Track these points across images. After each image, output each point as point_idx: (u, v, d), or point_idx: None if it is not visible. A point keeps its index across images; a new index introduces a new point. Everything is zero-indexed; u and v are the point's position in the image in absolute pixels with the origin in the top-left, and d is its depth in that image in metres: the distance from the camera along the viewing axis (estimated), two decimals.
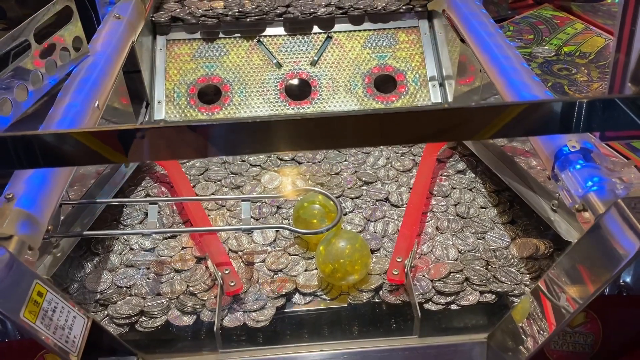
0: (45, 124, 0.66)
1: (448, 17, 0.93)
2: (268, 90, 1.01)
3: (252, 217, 0.83)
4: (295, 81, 1.02)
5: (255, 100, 1.00)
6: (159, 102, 1.00)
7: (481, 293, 0.72)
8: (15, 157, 0.45)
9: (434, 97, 1.00)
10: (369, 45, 1.03)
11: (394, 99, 1.00)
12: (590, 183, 0.56)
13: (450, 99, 0.99)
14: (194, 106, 1.00)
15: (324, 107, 1.00)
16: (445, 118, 0.45)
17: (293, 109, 1.00)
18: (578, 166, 0.58)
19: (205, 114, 0.99)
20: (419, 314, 0.67)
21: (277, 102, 1.01)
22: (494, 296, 0.72)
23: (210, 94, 1.01)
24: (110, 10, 0.93)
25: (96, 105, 0.72)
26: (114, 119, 0.91)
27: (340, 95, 1.01)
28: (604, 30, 1.01)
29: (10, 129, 0.67)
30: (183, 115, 0.99)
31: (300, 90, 1.02)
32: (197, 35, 1.04)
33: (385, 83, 1.02)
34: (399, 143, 0.90)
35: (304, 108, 1.00)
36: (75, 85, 0.73)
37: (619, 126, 0.47)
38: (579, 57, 0.96)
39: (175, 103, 1.00)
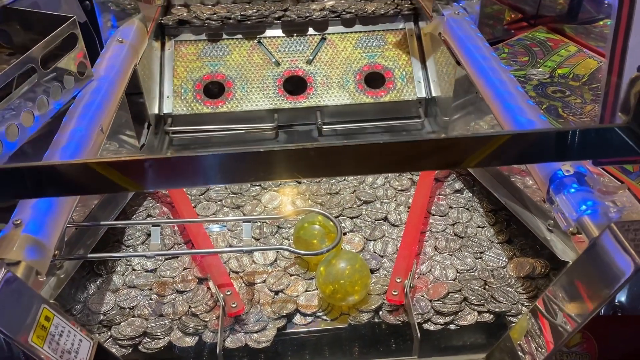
0: (51, 149, 0.67)
1: (444, 40, 0.95)
2: (267, 86, 1.09)
3: (252, 237, 0.84)
4: (292, 78, 1.10)
5: (256, 95, 1.08)
6: (167, 97, 1.08)
7: (479, 313, 0.73)
8: (23, 187, 0.47)
9: (419, 92, 1.09)
10: (360, 45, 1.12)
11: (382, 94, 1.08)
12: (584, 207, 0.57)
13: (434, 94, 1.07)
14: (200, 100, 1.08)
15: (319, 101, 1.08)
16: (443, 148, 0.47)
17: (290, 103, 1.08)
18: (572, 190, 0.60)
19: (210, 107, 1.07)
20: (419, 334, 0.69)
21: (275, 97, 1.08)
22: (492, 316, 0.73)
23: (214, 90, 1.09)
24: (113, 34, 0.94)
25: (100, 129, 0.73)
26: (117, 140, 0.93)
27: (334, 91, 1.08)
28: (597, 53, 1.03)
29: (16, 154, 0.68)
30: (190, 109, 1.07)
31: (297, 86, 1.10)
32: (203, 36, 1.13)
33: (374, 80, 1.10)
34: (396, 171, 0.93)
35: (300, 102, 1.08)
36: (80, 109, 0.75)
37: (610, 154, 0.49)
38: (572, 80, 0.98)
39: (182, 98, 1.08)
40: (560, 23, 1.14)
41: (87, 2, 0.97)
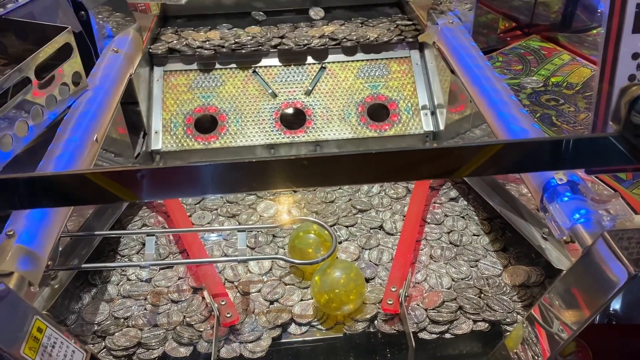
0: (46, 159, 0.67)
1: (438, 48, 0.96)
2: (263, 120, 1.02)
3: (248, 246, 0.84)
4: (290, 110, 1.04)
5: (251, 130, 1.02)
6: (156, 132, 1.01)
7: (474, 322, 0.73)
8: (16, 198, 0.46)
9: (425, 125, 1.02)
10: (362, 75, 1.06)
11: (387, 127, 1.02)
12: (577, 215, 0.57)
13: (442, 127, 1.02)
14: (190, 136, 1.01)
15: (319, 135, 1.01)
16: (437, 157, 0.47)
17: (288, 137, 1.01)
18: (565, 198, 0.60)
19: (201, 143, 1.01)
20: (414, 343, 0.68)
21: (272, 131, 1.02)
22: (487, 325, 0.73)
23: (206, 124, 1.03)
24: (108, 44, 0.95)
25: (95, 139, 0.73)
26: (112, 151, 0.93)
27: (335, 124, 1.02)
28: (590, 61, 1.04)
29: (10, 164, 0.68)
30: (180, 145, 1.01)
31: (295, 119, 1.03)
32: (194, 66, 1.06)
33: (378, 112, 1.03)
34: (390, 181, 0.91)
35: (299, 137, 1.01)
36: (75, 119, 0.75)
37: (603, 163, 0.49)
38: (566, 88, 0.99)
39: (172, 133, 1.01)
40: (554, 32, 1.15)
41: (83, 12, 0.98)
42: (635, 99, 0.46)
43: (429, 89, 1.04)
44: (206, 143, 1.01)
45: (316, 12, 1.15)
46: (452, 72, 0.92)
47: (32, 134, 0.72)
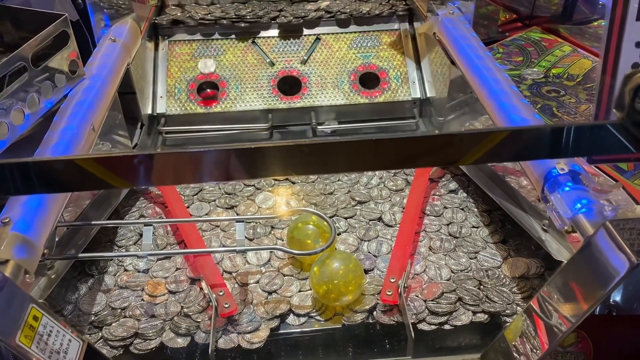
0: (42, 147, 0.67)
1: (439, 39, 0.95)
2: (262, 86, 1.08)
3: (246, 237, 0.84)
4: (287, 78, 1.09)
5: (250, 95, 1.08)
6: (161, 97, 1.07)
7: (474, 313, 0.73)
8: (12, 183, 0.46)
9: (413, 93, 1.08)
10: (355, 46, 1.11)
11: (377, 94, 1.08)
12: (578, 205, 0.57)
13: (428, 95, 1.07)
14: (193, 100, 1.07)
15: (313, 101, 1.08)
16: (438, 144, 0.46)
17: (285, 103, 1.07)
18: (567, 188, 0.59)
19: (203, 107, 1.07)
20: (413, 334, 0.68)
21: (270, 97, 1.08)
22: (486, 316, 0.72)
23: (208, 90, 1.09)
24: (105, 33, 0.94)
25: (92, 127, 0.73)
26: (109, 140, 0.92)
27: (328, 91, 1.08)
28: (591, 53, 1.03)
29: (6, 152, 0.67)
30: (183, 108, 1.07)
31: (292, 87, 1.09)
32: (197, 36, 1.12)
33: (369, 80, 1.09)
34: (390, 169, 0.92)
35: (294, 102, 1.08)
36: (72, 108, 0.74)
37: (605, 151, 0.48)
38: (567, 79, 0.98)
39: (176, 98, 1.07)
40: (555, 23, 1.14)
41: (80, 1, 0.97)
42: (638, 86, 0.46)
43: (417, 59, 1.10)
44: (208, 107, 1.07)
45: None
46: (453, 63, 0.91)
47: (28, 123, 0.71)
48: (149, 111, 1.05)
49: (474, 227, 0.87)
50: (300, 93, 1.08)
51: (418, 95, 1.08)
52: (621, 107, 0.48)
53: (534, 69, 1.03)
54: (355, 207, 0.92)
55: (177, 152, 0.46)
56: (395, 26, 1.12)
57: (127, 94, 0.95)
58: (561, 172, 0.60)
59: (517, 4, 1.18)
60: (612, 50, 0.51)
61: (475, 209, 0.90)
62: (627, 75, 0.48)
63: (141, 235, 0.85)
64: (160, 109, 1.06)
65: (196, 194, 0.96)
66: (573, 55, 1.05)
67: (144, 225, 0.77)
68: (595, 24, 1.12)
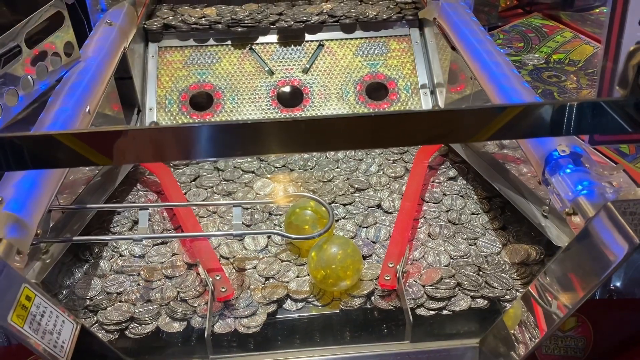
0: (36, 128, 0.66)
1: (439, 25, 0.94)
2: (260, 98, 1.02)
3: (243, 223, 0.83)
4: (287, 88, 1.02)
5: (247, 107, 1.01)
6: (150, 109, 1.00)
7: (473, 298, 0.72)
8: (2, 159, 0.45)
9: (425, 104, 1.01)
10: (361, 53, 1.04)
11: (385, 106, 1.01)
12: (580, 187, 0.56)
13: (441, 106, 1.00)
14: (185, 113, 1.00)
15: (316, 114, 1.01)
16: (437, 120, 0.46)
17: (285, 116, 1.01)
18: (568, 170, 0.59)
19: (196, 120, 1.00)
20: (411, 319, 0.67)
21: (268, 109, 1.01)
22: (485, 301, 0.72)
23: (202, 101, 1.01)
24: (102, 16, 0.93)
25: (87, 110, 0.72)
26: (105, 125, 0.91)
27: (332, 103, 1.01)
28: (592, 39, 1.02)
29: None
30: (174, 121, 1.00)
31: (292, 98, 1.02)
32: (189, 42, 1.04)
33: (376, 91, 1.03)
34: (390, 146, 0.90)
35: (295, 115, 1.01)
36: (66, 90, 0.73)
37: (607, 130, 0.47)
38: (568, 65, 0.97)
39: (167, 110, 1.00)
40: (556, 10, 1.13)
41: None
42: None
43: (429, 67, 1.03)
44: (201, 120, 1.00)
45: None
46: (453, 48, 0.90)
47: (21, 104, 0.70)
48: (138, 124, 0.98)
49: (473, 213, 0.86)
50: (302, 105, 1.01)
51: (430, 106, 1.00)
52: (624, 85, 0.47)
53: (535, 55, 1.02)
54: (354, 194, 0.91)
55: (174, 127, 0.45)
56: (405, 31, 1.05)
57: (123, 79, 0.94)
58: (562, 154, 0.60)
59: None
60: (615, 28, 0.50)
61: (475, 196, 0.90)
62: (632, 50, 0.47)
63: (135, 222, 0.84)
64: (149, 122, 0.99)
65: (193, 181, 0.95)
66: (574, 41, 1.04)
67: (140, 210, 0.76)
68: (597, 10, 1.11)
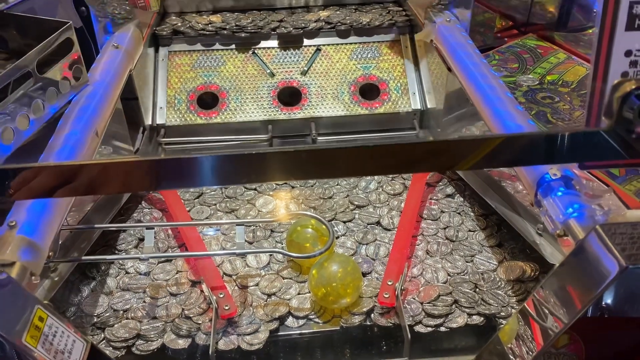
0: (46, 152, 0.68)
1: (436, 47, 0.97)
2: (262, 97, 1.08)
3: (246, 240, 0.85)
4: (287, 89, 1.10)
5: (250, 106, 1.08)
6: (160, 108, 1.07)
7: (469, 315, 0.74)
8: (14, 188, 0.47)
9: (414, 104, 1.08)
10: (355, 57, 1.12)
11: (377, 105, 1.08)
12: (570, 209, 0.58)
13: (429, 106, 1.07)
14: (193, 111, 1.07)
15: (314, 112, 1.08)
16: (432, 150, 0.48)
17: (285, 114, 1.08)
18: (559, 193, 0.61)
19: (203, 118, 1.07)
20: (409, 336, 0.69)
21: (270, 107, 1.08)
22: (481, 318, 0.74)
23: (208, 100, 1.09)
24: (108, 39, 0.95)
25: (95, 133, 0.74)
26: (111, 145, 0.94)
27: (329, 102, 1.08)
28: (585, 60, 1.05)
29: (11, 157, 0.69)
30: (183, 119, 1.07)
31: (292, 97, 1.09)
32: (197, 47, 1.12)
33: (369, 91, 1.10)
34: (388, 174, 0.94)
35: (295, 113, 1.08)
36: (75, 113, 0.75)
37: (595, 157, 0.50)
38: (561, 86, 1.00)
39: (176, 108, 1.07)
40: (550, 31, 1.16)
41: (83, 8, 0.98)
42: (627, 94, 0.47)
43: (418, 70, 1.10)
44: (208, 118, 1.07)
45: None
46: (449, 69, 0.93)
47: (33, 128, 0.73)
48: (149, 122, 1.04)
49: (470, 230, 0.89)
50: (301, 104, 1.08)
51: (418, 106, 1.07)
52: (610, 115, 0.49)
53: (529, 76, 1.04)
54: (354, 211, 0.93)
55: (180, 158, 0.47)
56: (396, 37, 1.12)
57: (129, 99, 0.97)
58: (554, 178, 0.62)
59: (514, 12, 1.19)
60: (602, 59, 0.53)
61: (472, 213, 0.92)
62: (616, 83, 0.49)
63: (141, 239, 0.86)
64: (160, 119, 1.06)
65: (197, 198, 0.97)
66: (568, 62, 1.06)
67: (146, 229, 0.79)
68: (590, 31, 1.14)
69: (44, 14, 0.89)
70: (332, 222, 0.91)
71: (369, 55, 1.11)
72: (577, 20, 1.17)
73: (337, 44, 1.12)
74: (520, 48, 1.12)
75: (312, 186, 0.99)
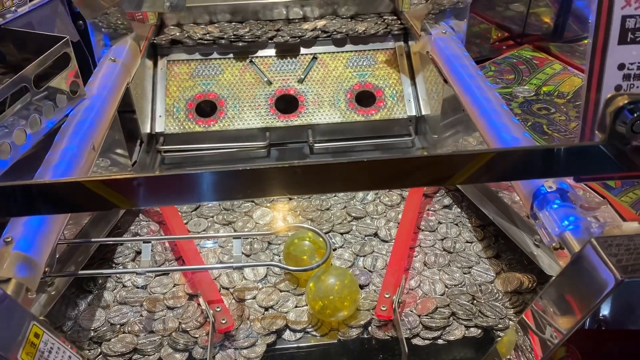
0: (43, 167, 0.68)
1: (432, 58, 0.97)
2: (259, 105, 1.10)
3: (243, 253, 0.85)
4: (284, 97, 1.11)
5: (248, 114, 1.09)
6: (159, 116, 1.08)
7: (467, 327, 0.74)
8: (14, 205, 0.47)
9: (409, 110, 1.10)
10: (351, 64, 1.13)
11: (373, 112, 1.09)
12: (566, 222, 0.58)
13: (424, 112, 1.08)
14: (191, 119, 1.08)
15: (310, 119, 1.09)
16: (428, 165, 0.48)
17: (282, 121, 1.09)
18: (555, 206, 0.61)
19: (202, 126, 1.08)
20: (406, 349, 0.69)
21: (267, 115, 1.09)
22: (479, 330, 0.74)
23: (206, 109, 1.10)
24: (106, 53, 0.96)
25: (92, 147, 0.74)
26: (109, 158, 0.94)
27: (325, 109, 1.10)
28: (581, 71, 1.05)
29: (8, 172, 0.69)
30: (182, 127, 1.08)
31: (289, 105, 1.10)
32: (195, 56, 1.13)
33: (365, 98, 1.11)
34: (383, 188, 0.94)
35: (292, 121, 1.09)
36: (72, 128, 0.75)
37: (589, 171, 0.50)
38: (557, 97, 1.00)
39: (174, 117, 1.08)
40: (546, 42, 1.17)
41: (81, 22, 0.99)
42: (619, 108, 0.47)
43: (413, 77, 1.12)
44: (206, 126, 1.08)
45: None
46: (445, 81, 0.93)
47: (30, 142, 0.73)
48: (148, 130, 1.06)
49: (467, 242, 0.89)
50: (297, 111, 1.09)
51: (414, 113, 1.09)
52: (603, 129, 0.49)
53: (525, 87, 1.05)
54: (351, 223, 0.94)
55: (177, 175, 0.47)
56: (391, 45, 1.14)
57: (126, 112, 0.97)
58: (549, 190, 0.62)
59: (509, 23, 1.20)
60: (595, 73, 0.53)
61: (469, 224, 0.92)
62: (609, 98, 0.50)
63: (138, 252, 0.86)
64: (159, 127, 1.07)
65: (194, 210, 0.97)
66: (563, 73, 1.07)
67: (143, 243, 0.78)
68: (585, 42, 1.14)
69: (42, 28, 0.89)
70: (330, 233, 0.91)
71: (364, 63, 1.12)
72: (573, 31, 1.17)
73: (334, 52, 1.14)
74: (516, 59, 1.13)
75: (309, 198, 0.99)
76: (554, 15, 1.18)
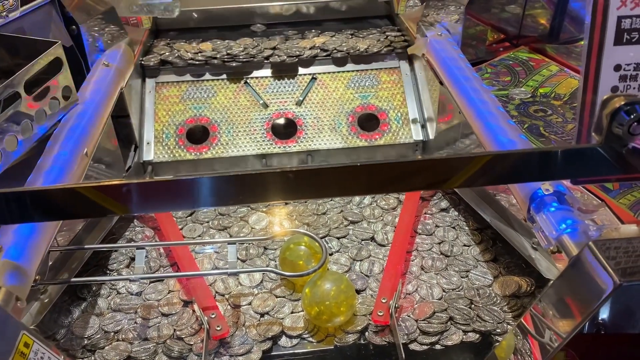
0: (35, 173, 0.67)
1: (427, 60, 0.96)
2: (255, 130, 1.03)
3: (239, 258, 0.84)
4: (281, 121, 1.04)
5: (243, 140, 1.02)
6: (147, 143, 1.01)
7: (465, 332, 0.73)
8: (5, 212, 0.46)
9: (415, 134, 1.03)
10: (352, 85, 1.06)
11: (377, 136, 1.03)
12: (563, 225, 0.57)
13: (431, 137, 1.02)
14: (182, 146, 1.01)
15: (310, 145, 1.02)
16: (426, 169, 0.47)
17: (279, 147, 1.02)
18: (552, 209, 0.60)
19: (193, 154, 1.01)
20: (403, 355, 0.68)
21: (264, 141, 1.02)
22: (477, 335, 0.73)
23: (198, 134, 1.03)
24: (99, 57, 0.95)
25: (85, 153, 0.73)
26: (103, 163, 0.93)
27: (326, 134, 1.03)
28: (578, 72, 1.05)
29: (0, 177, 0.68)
30: (172, 155, 1.01)
31: (287, 130, 1.03)
32: (186, 77, 1.06)
33: (368, 122, 1.04)
34: (379, 192, 0.92)
35: (290, 147, 1.02)
36: (64, 133, 0.75)
37: (585, 174, 0.49)
38: (554, 99, 1.00)
39: (164, 144, 1.01)
40: (542, 43, 1.16)
41: (74, 26, 0.98)
42: (616, 110, 0.47)
43: (419, 98, 1.05)
44: (198, 154, 1.01)
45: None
46: (441, 83, 0.92)
47: (21, 149, 0.72)
48: (136, 159, 0.99)
49: (465, 245, 0.88)
50: (296, 136, 1.02)
51: (420, 137, 1.02)
52: (600, 131, 0.49)
53: (522, 89, 1.04)
54: (348, 227, 0.93)
55: (171, 180, 0.46)
56: (395, 64, 1.07)
57: (120, 117, 0.96)
58: (546, 193, 0.61)
59: (505, 24, 1.19)
60: (591, 74, 0.53)
61: (467, 228, 0.91)
62: (605, 99, 0.49)
63: (133, 258, 0.85)
64: (147, 156, 1.00)
65: (189, 216, 0.96)
66: (560, 75, 1.06)
67: (137, 249, 0.78)
68: (582, 43, 1.14)
69: (34, 33, 0.88)
70: (326, 238, 0.90)
71: (367, 84, 1.05)
72: (569, 32, 1.17)
73: (334, 72, 1.06)
74: (512, 61, 1.12)
75: (305, 202, 0.98)
76: (550, 16, 1.18)
